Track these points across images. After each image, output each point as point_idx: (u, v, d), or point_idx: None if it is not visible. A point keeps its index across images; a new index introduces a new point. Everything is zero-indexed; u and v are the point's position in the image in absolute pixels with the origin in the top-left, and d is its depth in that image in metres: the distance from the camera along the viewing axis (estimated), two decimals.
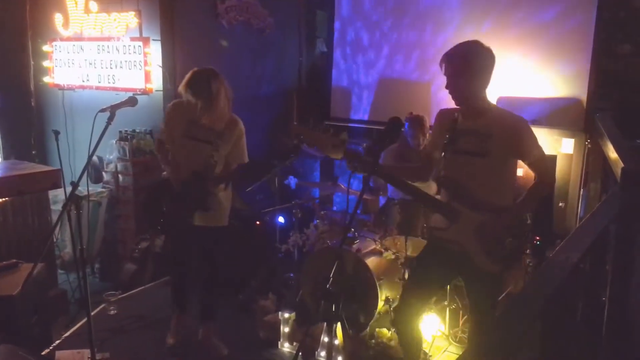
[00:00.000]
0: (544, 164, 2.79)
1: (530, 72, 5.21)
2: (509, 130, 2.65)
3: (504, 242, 2.69)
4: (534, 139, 2.71)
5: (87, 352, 3.22)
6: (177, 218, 3.55)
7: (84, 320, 3.53)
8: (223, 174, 3.56)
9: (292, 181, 4.95)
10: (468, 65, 2.60)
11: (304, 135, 2.79)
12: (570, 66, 5.09)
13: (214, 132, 3.48)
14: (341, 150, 2.61)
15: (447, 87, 2.67)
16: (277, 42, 6.39)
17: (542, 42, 5.20)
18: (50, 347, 3.70)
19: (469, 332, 3.08)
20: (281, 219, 4.95)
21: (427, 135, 4.48)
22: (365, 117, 6.44)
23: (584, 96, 5.06)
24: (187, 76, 3.45)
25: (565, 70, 5.12)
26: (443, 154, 2.73)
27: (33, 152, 5.91)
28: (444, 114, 2.87)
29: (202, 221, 3.55)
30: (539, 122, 5.07)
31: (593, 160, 4.63)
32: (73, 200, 2.72)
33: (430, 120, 5.58)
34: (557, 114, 5.11)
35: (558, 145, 4.74)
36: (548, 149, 4.68)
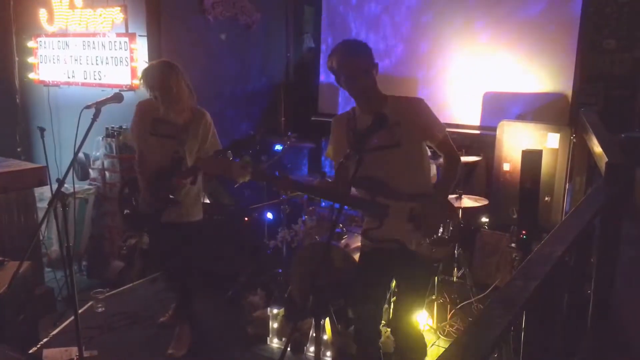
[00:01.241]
0: (450, 141, 2.76)
1: (516, 68, 5.24)
2: (412, 112, 2.67)
3: (439, 225, 2.72)
4: (435, 116, 2.72)
5: (75, 350, 3.22)
6: (147, 215, 3.52)
7: (72, 318, 3.53)
8: (188, 168, 3.47)
9: None
10: (371, 58, 2.66)
11: (204, 167, 2.93)
12: (556, 61, 5.12)
13: (177, 126, 3.43)
14: (248, 172, 2.66)
15: (352, 87, 2.66)
16: (264, 38, 6.37)
17: (528, 37, 5.22)
18: (38, 345, 3.69)
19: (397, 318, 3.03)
20: (269, 215, 4.95)
21: None
22: None
23: (569, 91, 5.10)
24: (142, 72, 3.43)
25: (550, 66, 5.15)
26: (354, 157, 2.56)
27: (18, 149, 5.86)
28: (338, 120, 2.85)
29: (172, 217, 3.51)
30: (524, 117, 5.11)
31: (578, 154, 4.68)
32: (59, 197, 2.70)
33: None
34: (543, 109, 5.14)
35: (544, 140, 4.77)
36: (534, 144, 4.72)
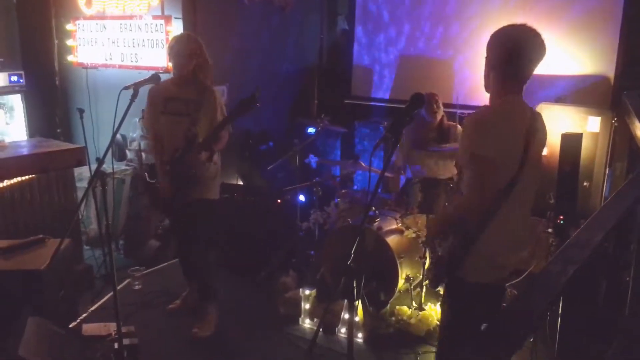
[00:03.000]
0: None
1: (556, 49, 5.10)
2: None
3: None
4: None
5: (113, 325, 3.30)
6: (167, 196, 3.58)
7: (110, 294, 3.62)
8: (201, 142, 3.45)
9: (313, 160, 4.96)
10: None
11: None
12: (598, 43, 4.97)
13: (189, 103, 3.47)
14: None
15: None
16: (298, 20, 6.34)
17: (568, 17, 5.07)
18: (77, 321, 3.80)
19: None
20: (302, 197, 4.97)
21: (441, 108, 4.58)
22: (387, 96, 6.38)
23: (611, 73, 4.94)
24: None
25: (592, 47, 5.00)
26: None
27: (58, 130, 5.99)
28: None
29: (191, 195, 3.56)
30: (563, 100, 4.98)
31: (620, 139, 4.55)
32: (99, 176, 2.76)
33: (452, 97, 5.52)
34: (583, 92, 5.00)
35: (584, 124, 4.64)
36: (573, 128, 4.60)
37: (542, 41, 2.24)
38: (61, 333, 3.17)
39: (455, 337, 2.43)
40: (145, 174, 3.77)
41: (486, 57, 2.32)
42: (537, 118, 2.31)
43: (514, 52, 2.22)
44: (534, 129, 2.24)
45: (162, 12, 5.09)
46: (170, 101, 3.52)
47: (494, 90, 2.31)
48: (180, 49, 3.46)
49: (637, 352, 2.87)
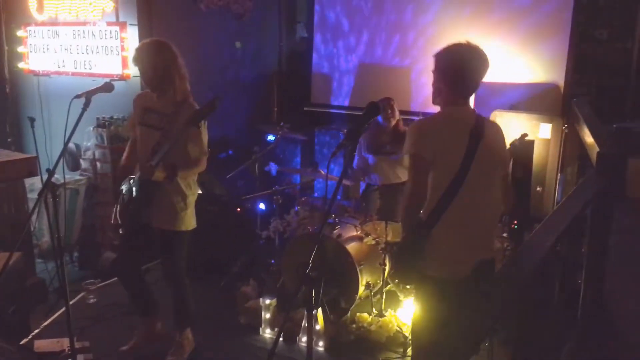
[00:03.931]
0: None
1: (509, 57, 5.23)
2: None
3: None
4: None
5: (66, 341, 3.20)
6: (127, 215, 3.26)
7: (63, 309, 3.50)
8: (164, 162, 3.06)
9: (273, 167, 4.94)
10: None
11: None
12: (549, 51, 5.13)
13: (165, 116, 3.17)
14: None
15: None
16: (256, 27, 6.33)
17: (520, 27, 5.22)
18: (29, 337, 3.67)
19: None
20: (262, 206, 4.94)
21: (396, 113, 4.63)
22: (346, 103, 6.43)
23: (561, 81, 5.11)
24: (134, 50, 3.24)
25: (543, 56, 5.15)
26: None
27: (8, 140, 5.80)
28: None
29: (151, 220, 3.26)
30: (516, 107, 5.12)
31: (570, 144, 4.69)
32: (49, 188, 2.68)
33: (410, 105, 5.60)
34: (535, 99, 5.15)
35: (536, 130, 4.78)
36: None
37: (485, 57, 2.44)
38: (11, 350, 3.06)
39: (421, 332, 2.59)
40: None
41: (433, 74, 2.48)
42: (486, 125, 2.46)
43: (458, 70, 2.41)
44: (479, 135, 2.39)
45: (117, 18, 5.01)
46: (148, 112, 3.26)
47: (441, 103, 2.50)
48: (142, 57, 3.16)
49: (590, 352, 2.96)
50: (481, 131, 2.40)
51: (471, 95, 2.52)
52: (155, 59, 3.14)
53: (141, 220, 3.27)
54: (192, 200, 3.40)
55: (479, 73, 2.44)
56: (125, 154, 3.50)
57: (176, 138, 3.02)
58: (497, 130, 2.53)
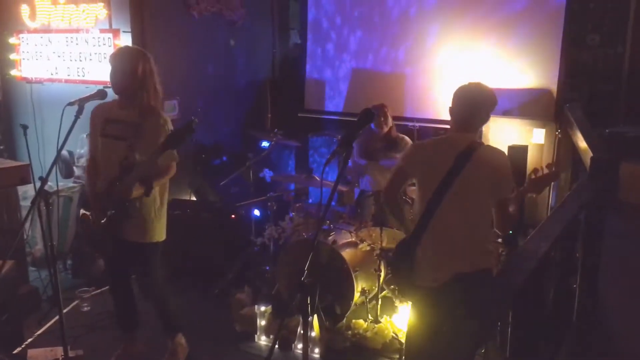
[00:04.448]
0: None
1: (501, 63, 5.26)
2: None
3: None
4: None
5: (60, 350, 3.18)
6: (98, 228, 3.15)
7: (57, 317, 3.48)
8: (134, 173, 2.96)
9: (267, 174, 4.94)
10: None
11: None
12: (541, 57, 5.16)
13: (130, 126, 3.04)
14: None
15: None
16: (249, 34, 6.33)
17: (513, 33, 5.25)
18: (22, 346, 3.65)
19: None
20: (256, 212, 4.93)
21: (389, 119, 4.64)
22: (340, 109, 6.43)
23: (554, 87, 5.14)
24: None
25: (535, 61, 5.18)
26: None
27: (1, 147, 5.77)
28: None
29: (127, 235, 3.16)
30: (510, 113, 5.14)
31: (563, 149, 4.71)
32: (42, 195, 2.66)
33: (403, 110, 5.61)
34: (528, 105, 5.17)
35: (529, 136, 4.80)
36: (519, 140, 4.75)
37: (491, 97, 2.71)
38: (4, 359, 3.03)
39: (414, 339, 2.74)
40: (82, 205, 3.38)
41: (449, 108, 2.75)
42: (480, 151, 2.62)
43: (461, 108, 2.70)
44: (466, 158, 2.58)
45: (110, 25, 5.00)
46: (110, 123, 3.12)
47: (451, 129, 2.79)
48: (117, 65, 3.07)
49: (585, 356, 2.97)
50: (469, 155, 2.58)
51: (476, 127, 2.78)
52: (136, 67, 3.05)
53: (118, 236, 3.18)
54: (164, 211, 3.30)
55: (484, 111, 2.70)
56: (89, 175, 3.31)
57: (153, 161, 2.92)
58: (496, 157, 2.67)
